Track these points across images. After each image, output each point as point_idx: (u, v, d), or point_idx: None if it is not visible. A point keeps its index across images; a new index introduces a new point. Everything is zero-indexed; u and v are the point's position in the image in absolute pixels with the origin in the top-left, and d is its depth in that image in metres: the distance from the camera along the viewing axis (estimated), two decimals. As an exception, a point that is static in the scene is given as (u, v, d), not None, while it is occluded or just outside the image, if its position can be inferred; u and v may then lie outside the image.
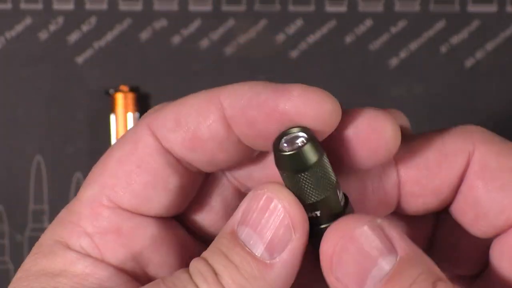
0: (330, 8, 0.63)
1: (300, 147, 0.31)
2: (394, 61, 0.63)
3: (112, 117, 0.65)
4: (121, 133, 0.64)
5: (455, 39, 0.64)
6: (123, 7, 0.64)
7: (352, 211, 0.34)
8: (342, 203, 0.33)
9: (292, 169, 0.31)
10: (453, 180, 0.35)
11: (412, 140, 0.35)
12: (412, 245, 0.32)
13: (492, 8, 0.64)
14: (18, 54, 0.64)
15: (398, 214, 0.37)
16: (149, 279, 0.34)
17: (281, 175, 0.32)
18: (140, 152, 0.34)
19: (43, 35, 0.64)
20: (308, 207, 0.32)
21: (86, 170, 0.38)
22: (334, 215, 0.32)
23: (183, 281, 0.31)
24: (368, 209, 0.35)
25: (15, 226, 0.65)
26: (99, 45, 0.64)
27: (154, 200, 0.34)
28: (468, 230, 0.36)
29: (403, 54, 0.64)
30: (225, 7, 0.64)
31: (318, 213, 0.32)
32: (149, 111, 0.35)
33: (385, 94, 0.62)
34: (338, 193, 0.32)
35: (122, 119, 0.65)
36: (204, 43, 0.64)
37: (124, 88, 0.65)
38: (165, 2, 0.64)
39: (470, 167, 0.35)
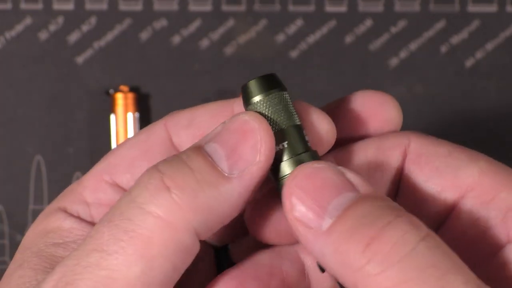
0: (330, 8, 0.63)
1: (264, 74, 0.34)
2: (394, 61, 0.63)
3: (112, 117, 0.65)
4: (121, 133, 0.64)
5: (455, 39, 0.64)
6: (123, 7, 0.64)
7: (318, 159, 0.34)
8: (309, 144, 0.34)
9: (257, 92, 0.33)
10: (392, 172, 0.36)
11: (351, 145, 0.37)
12: (375, 189, 0.32)
13: (492, 8, 0.64)
14: (18, 54, 0.64)
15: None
16: None
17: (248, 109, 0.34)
18: (150, 141, 0.37)
19: (43, 35, 0.64)
20: (277, 136, 0.34)
21: (86, 170, 0.38)
22: (300, 152, 0.33)
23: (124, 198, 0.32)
24: None
25: (15, 226, 0.65)
26: (99, 45, 0.64)
27: None
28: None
29: (403, 54, 0.64)
30: (225, 7, 0.64)
31: (285, 144, 0.34)
32: (169, 114, 0.38)
33: (385, 94, 0.62)
34: (304, 134, 0.34)
35: (122, 119, 0.65)
36: (204, 43, 0.64)
37: (124, 88, 0.65)
38: (165, 2, 0.64)
39: (407, 157, 0.36)
